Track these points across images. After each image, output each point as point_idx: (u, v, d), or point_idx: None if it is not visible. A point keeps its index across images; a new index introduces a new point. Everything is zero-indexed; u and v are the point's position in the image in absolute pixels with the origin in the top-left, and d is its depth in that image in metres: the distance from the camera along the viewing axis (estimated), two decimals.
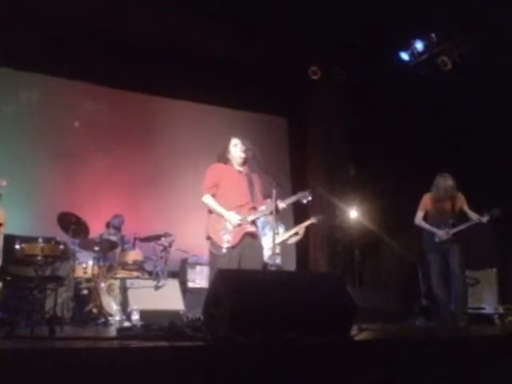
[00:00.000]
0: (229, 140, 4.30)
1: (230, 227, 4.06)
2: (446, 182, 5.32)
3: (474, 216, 5.27)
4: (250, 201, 4.20)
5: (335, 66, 7.92)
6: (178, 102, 7.83)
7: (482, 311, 6.11)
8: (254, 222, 4.20)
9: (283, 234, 5.71)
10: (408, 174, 7.44)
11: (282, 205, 4.20)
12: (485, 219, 5.16)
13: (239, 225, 4.07)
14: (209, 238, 4.11)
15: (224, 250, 3.99)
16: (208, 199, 4.17)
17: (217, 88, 7.45)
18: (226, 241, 4.02)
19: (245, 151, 4.19)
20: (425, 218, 5.48)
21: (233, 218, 4.07)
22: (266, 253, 5.04)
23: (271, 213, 4.09)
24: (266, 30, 6.87)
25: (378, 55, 7.24)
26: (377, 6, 6.52)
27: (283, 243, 5.76)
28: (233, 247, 4.03)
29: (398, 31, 6.88)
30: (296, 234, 5.66)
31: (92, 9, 6.34)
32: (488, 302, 6.14)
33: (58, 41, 6.48)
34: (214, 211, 4.13)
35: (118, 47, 6.98)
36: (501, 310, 6.05)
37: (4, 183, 5.13)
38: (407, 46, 7.23)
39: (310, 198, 4.30)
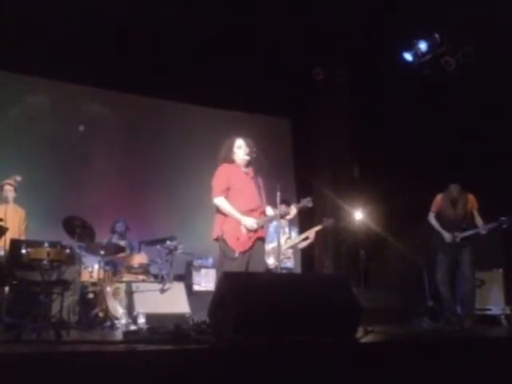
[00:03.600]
0: (232, 141, 4.20)
1: (244, 231, 3.97)
2: (456, 188, 5.47)
3: (479, 222, 5.37)
4: (260, 204, 4.13)
5: (338, 67, 7.92)
6: (181, 105, 7.85)
7: (489, 312, 6.08)
8: (262, 226, 4.14)
9: (295, 239, 5.72)
10: (412, 174, 7.42)
11: (293, 211, 4.28)
12: (483, 231, 5.25)
13: (255, 230, 4.02)
14: (221, 239, 4.00)
15: (237, 255, 3.94)
16: (222, 201, 4.04)
17: (220, 90, 7.45)
18: (241, 245, 3.96)
19: (249, 153, 4.13)
20: (438, 218, 5.50)
21: (250, 222, 3.97)
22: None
23: (282, 217, 4.11)
24: (269, 31, 6.86)
25: (381, 56, 7.23)
26: (380, 6, 6.53)
27: (294, 247, 5.79)
28: (245, 251, 3.97)
29: (401, 31, 6.86)
30: (307, 238, 5.67)
31: (96, 11, 6.36)
32: (494, 303, 6.10)
33: (61, 44, 6.50)
34: (229, 214, 4.02)
35: (122, 51, 7.00)
36: (507, 311, 6.01)
37: (18, 178, 5.17)
38: (411, 47, 7.21)
39: (310, 205, 4.53)
